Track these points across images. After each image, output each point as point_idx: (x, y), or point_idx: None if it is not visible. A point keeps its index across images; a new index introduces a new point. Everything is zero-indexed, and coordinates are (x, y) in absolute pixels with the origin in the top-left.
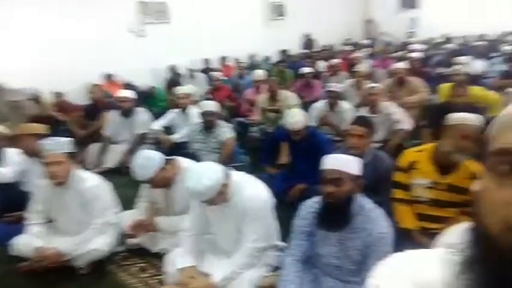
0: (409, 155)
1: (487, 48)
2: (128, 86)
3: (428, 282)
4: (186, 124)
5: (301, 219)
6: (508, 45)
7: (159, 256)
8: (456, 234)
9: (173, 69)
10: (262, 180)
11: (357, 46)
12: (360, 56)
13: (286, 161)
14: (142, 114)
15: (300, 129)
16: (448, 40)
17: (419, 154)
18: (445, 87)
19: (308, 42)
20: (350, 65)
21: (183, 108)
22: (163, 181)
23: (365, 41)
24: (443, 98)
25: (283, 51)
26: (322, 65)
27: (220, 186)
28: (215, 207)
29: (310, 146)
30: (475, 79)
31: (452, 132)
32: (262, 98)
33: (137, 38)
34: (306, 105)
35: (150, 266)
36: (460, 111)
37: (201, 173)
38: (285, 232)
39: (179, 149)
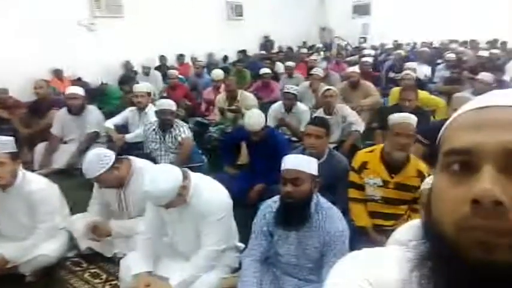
0: (361, 156)
1: (432, 55)
2: (78, 82)
3: (384, 281)
4: (142, 123)
5: (260, 219)
6: (451, 53)
7: (113, 261)
8: (407, 231)
9: (127, 66)
10: (222, 181)
11: (313, 49)
12: (316, 59)
13: (246, 161)
14: (93, 112)
15: (258, 130)
16: (398, 46)
17: (370, 155)
18: (395, 90)
19: (267, 44)
20: (308, 68)
21: (140, 107)
22: (115, 181)
23: (320, 45)
24: (393, 101)
25: (242, 52)
26: (280, 66)
27: (179, 188)
28: (172, 209)
29: (269, 146)
30: (422, 84)
31: (390, 132)
32: (220, 98)
33: (88, 32)
34: (264, 106)
35: (104, 272)
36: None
37: (158, 176)
38: (245, 233)
39: (133, 149)
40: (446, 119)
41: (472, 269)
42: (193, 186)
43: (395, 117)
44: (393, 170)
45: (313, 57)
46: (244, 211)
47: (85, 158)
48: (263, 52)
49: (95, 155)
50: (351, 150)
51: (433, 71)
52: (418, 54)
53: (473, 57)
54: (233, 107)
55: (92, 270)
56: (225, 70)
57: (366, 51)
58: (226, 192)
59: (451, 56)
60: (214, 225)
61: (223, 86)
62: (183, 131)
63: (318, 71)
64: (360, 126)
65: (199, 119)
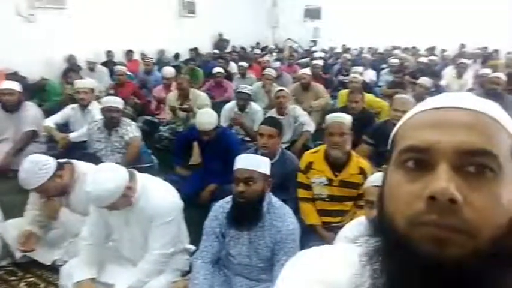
0: (307, 156)
1: (374, 61)
2: (14, 76)
3: (335, 279)
4: (85, 122)
5: (212, 220)
6: (394, 58)
7: (52, 269)
8: (355, 228)
9: (70, 61)
10: (173, 182)
11: (266, 50)
12: (269, 60)
13: (198, 161)
14: (30, 109)
15: (210, 129)
16: (346, 50)
17: (314, 155)
18: (343, 93)
19: (220, 43)
20: (261, 68)
21: (83, 105)
22: (57, 190)
23: (273, 46)
24: (341, 103)
25: (194, 50)
26: (234, 66)
27: (123, 189)
28: (118, 212)
29: (222, 146)
30: (369, 87)
31: (326, 132)
32: (172, 96)
33: (27, 24)
34: (217, 106)
35: (41, 281)
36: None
37: (101, 176)
38: (197, 234)
39: (77, 149)
40: (388, 120)
41: (424, 264)
42: (140, 188)
43: (328, 118)
44: (336, 168)
45: (266, 58)
46: (196, 212)
47: (22, 166)
48: (216, 51)
49: (32, 163)
50: (302, 150)
51: (378, 75)
52: (362, 60)
53: (414, 63)
54: (185, 106)
55: (29, 279)
56: (177, 68)
57: (316, 54)
58: (176, 193)
59: (394, 61)
60: (162, 228)
61: (174, 84)
62: (131, 130)
63: (271, 72)
64: (311, 126)
65: (149, 117)
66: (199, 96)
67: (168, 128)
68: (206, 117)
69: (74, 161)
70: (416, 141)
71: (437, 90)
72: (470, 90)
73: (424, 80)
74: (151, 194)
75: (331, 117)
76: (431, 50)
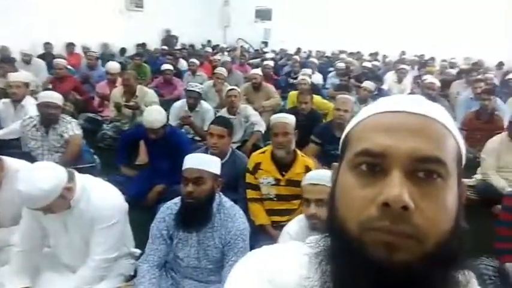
0: (254, 157)
1: (324, 63)
2: None
3: (284, 279)
4: (18, 118)
5: (159, 222)
6: (341, 62)
7: None
8: (296, 225)
9: (3, 52)
10: (117, 183)
11: (217, 49)
12: (220, 59)
13: (145, 161)
14: None
15: (158, 127)
16: (296, 53)
17: (262, 156)
18: (292, 94)
19: (169, 39)
20: (212, 67)
21: (16, 100)
22: None
23: (225, 45)
24: (291, 104)
25: (141, 45)
26: (183, 63)
27: (61, 190)
28: (54, 215)
29: (170, 145)
30: (317, 89)
31: (271, 132)
32: (117, 93)
33: None
34: (166, 104)
35: None
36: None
37: (36, 174)
38: (143, 237)
39: (8, 147)
40: (332, 120)
41: (373, 268)
42: (80, 189)
43: (273, 118)
44: (283, 168)
45: (218, 56)
46: (142, 214)
47: None
48: (165, 47)
49: None
50: (253, 150)
51: (325, 78)
52: (310, 63)
53: (359, 67)
54: (131, 103)
55: None
56: (123, 63)
57: (267, 55)
58: (120, 195)
59: (340, 65)
60: (104, 232)
61: (119, 80)
62: (71, 128)
63: (222, 71)
64: (262, 126)
65: (91, 115)
66: (147, 93)
67: (112, 126)
68: (154, 115)
69: (2, 156)
70: (371, 145)
71: (380, 93)
72: (409, 94)
73: (368, 84)
74: (93, 195)
75: (275, 117)
76: (374, 55)
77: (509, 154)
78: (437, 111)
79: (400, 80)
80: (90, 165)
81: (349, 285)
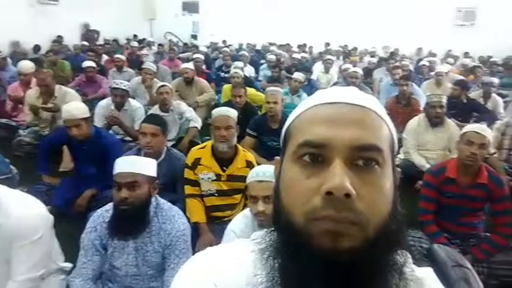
0: (194, 152)
1: (255, 56)
2: None
3: (230, 279)
4: None
5: (90, 232)
6: (271, 54)
7: None
8: (241, 221)
9: None
10: (40, 193)
11: (144, 43)
12: (147, 53)
13: (70, 167)
14: None
15: (80, 118)
16: (227, 46)
17: (202, 151)
18: (226, 88)
19: (89, 34)
20: (138, 62)
21: None
22: None
23: (152, 39)
24: (225, 97)
25: (58, 41)
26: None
27: None
28: None
29: (97, 148)
30: (249, 82)
31: (212, 126)
32: (32, 94)
33: None
34: (90, 104)
35: None
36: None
37: None
38: (73, 250)
39: None
40: (266, 113)
41: (320, 257)
42: None
43: (215, 112)
44: (224, 163)
45: (144, 51)
46: (70, 225)
47: None
48: (85, 43)
49: None
50: (190, 147)
51: (257, 71)
52: (241, 56)
53: (289, 59)
54: (49, 105)
55: None
56: (37, 62)
57: (200, 49)
58: (43, 206)
59: (271, 57)
60: (28, 249)
61: (34, 80)
62: None
63: (151, 66)
64: (197, 122)
65: (4, 120)
66: (67, 93)
67: (29, 131)
68: (74, 104)
69: None
70: (312, 136)
71: (309, 84)
72: (336, 83)
73: (298, 75)
74: (11, 210)
75: (217, 111)
76: (302, 47)
77: (426, 133)
78: (371, 101)
79: (327, 70)
80: (6, 176)
81: (297, 278)
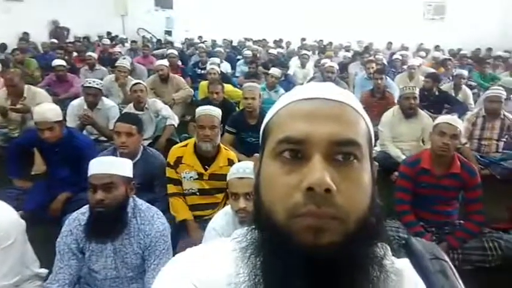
0: (175, 151)
1: (231, 52)
2: None
3: (212, 279)
4: None
5: (66, 236)
6: (248, 50)
7: None
8: (221, 219)
9: None
10: (11, 198)
11: (116, 40)
12: (120, 51)
13: (42, 170)
14: None
15: (53, 121)
16: (203, 42)
17: (184, 149)
18: (203, 84)
19: (58, 31)
20: (111, 60)
21: None
22: None
23: (124, 36)
24: (202, 94)
25: (24, 39)
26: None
27: None
28: None
29: (70, 150)
30: (226, 78)
31: (196, 124)
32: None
33: None
34: (62, 104)
35: None
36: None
37: None
38: (49, 255)
39: None
40: (244, 109)
41: (302, 253)
42: None
43: (199, 111)
44: (206, 162)
45: (117, 48)
46: (44, 229)
47: None
48: (55, 41)
49: None
50: (168, 146)
51: (233, 67)
52: (217, 52)
53: (265, 54)
54: (18, 106)
55: None
56: (3, 61)
57: (176, 44)
58: (13, 211)
59: (248, 53)
60: None
61: (1, 80)
62: None
63: (124, 63)
64: (174, 120)
65: None
66: (37, 93)
67: None
68: (46, 106)
69: None
70: (292, 132)
71: (286, 79)
72: (313, 78)
73: (275, 70)
74: None
75: (201, 110)
76: (278, 42)
77: (400, 125)
78: (348, 96)
79: (303, 65)
80: None
81: (279, 275)
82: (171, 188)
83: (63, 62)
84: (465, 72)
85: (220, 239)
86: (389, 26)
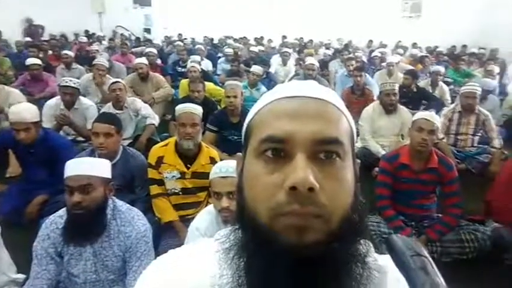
0: (156, 150)
1: (212, 50)
2: None
3: (194, 280)
4: None
5: (43, 240)
6: (229, 48)
7: None
8: (204, 218)
9: None
10: None
11: (94, 38)
12: (98, 49)
13: (17, 172)
14: None
15: (29, 122)
16: (182, 40)
17: (164, 149)
18: (184, 83)
19: (32, 29)
20: (88, 59)
21: None
22: None
23: (102, 34)
24: (183, 92)
25: None
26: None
27: None
28: None
29: (46, 151)
30: (207, 76)
31: (177, 123)
32: None
33: None
34: (37, 104)
35: None
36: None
37: None
38: (25, 260)
39: None
40: (226, 107)
41: (286, 253)
42: None
43: (179, 108)
44: (188, 160)
45: (95, 46)
46: (20, 234)
47: None
48: (29, 39)
49: None
50: (148, 145)
51: (214, 64)
52: (198, 50)
53: (246, 52)
54: None
55: None
56: None
57: (151, 42)
58: None
59: (229, 50)
60: None
61: None
62: None
63: (102, 61)
64: (155, 119)
65: None
66: (11, 93)
67: None
68: (23, 106)
69: None
70: (275, 131)
71: (268, 77)
72: (295, 75)
73: (256, 68)
74: None
75: (181, 108)
76: (259, 40)
77: (380, 119)
78: (330, 94)
79: (285, 63)
80: None
81: (263, 276)
82: (155, 189)
83: (38, 61)
84: (442, 69)
85: (204, 239)
86: (368, 24)
